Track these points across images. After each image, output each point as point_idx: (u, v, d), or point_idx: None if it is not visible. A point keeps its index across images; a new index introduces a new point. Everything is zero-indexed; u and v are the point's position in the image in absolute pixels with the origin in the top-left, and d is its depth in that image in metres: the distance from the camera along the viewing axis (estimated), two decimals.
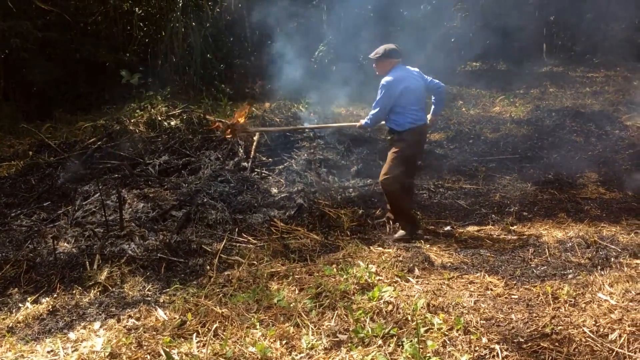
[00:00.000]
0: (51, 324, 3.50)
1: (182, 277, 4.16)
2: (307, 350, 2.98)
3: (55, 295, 3.88)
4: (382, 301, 3.43)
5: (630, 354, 2.84)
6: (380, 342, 3.00)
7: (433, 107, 5.01)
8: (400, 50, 4.75)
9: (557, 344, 2.96)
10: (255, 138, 6.91)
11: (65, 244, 4.61)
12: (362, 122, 4.99)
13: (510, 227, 5.01)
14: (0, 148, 8.05)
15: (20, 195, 5.97)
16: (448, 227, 5.14)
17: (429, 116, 4.95)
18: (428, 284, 3.78)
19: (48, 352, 3.10)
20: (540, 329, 3.10)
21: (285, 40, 9.31)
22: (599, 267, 3.98)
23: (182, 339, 3.15)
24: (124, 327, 3.32)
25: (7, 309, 3.73)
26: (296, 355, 2.96)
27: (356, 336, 3.06)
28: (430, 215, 5.48)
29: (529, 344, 2.97)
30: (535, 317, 3.25)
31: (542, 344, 2.96)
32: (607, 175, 6.47)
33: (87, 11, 11.61)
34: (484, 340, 2.99)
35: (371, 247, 4.54)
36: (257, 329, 3.20)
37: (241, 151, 6.69)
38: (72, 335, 3.27)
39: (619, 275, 3.73)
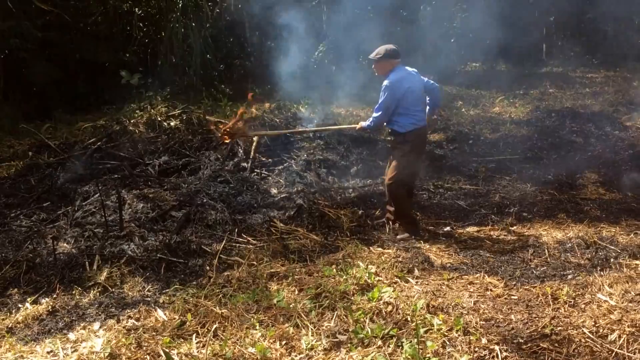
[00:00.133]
0: (51, 324, 3.49)
1: (182, 277, 4.16)
2: (307, 351, 2.98)
3: (54, 296, 3.87)
4: (381, 302, 3.43)
5: (629, 354, 2.85)
6: (379, 342, 3.00)
7: (428, 107, 5.01)
8: (400, 50, 4.75)
9: (556, 344, 2.96)
10: (254, 139, 6.90)
11: (65, 244, 4.60)
12: (363, 124, 4.98)
13: (510, 228, 5.01)
14: (0, 148, 8.04)
15: (20, 195, 5.96)
16: (448, 228, 5.14)
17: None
18: (428, 284, 3.78)
19: (48, 352, 3.10)
20: (539, 329, 3.10)
21: (284, 41, 9.31)
22: (599, 268, 3.99)
23: (182, 340, 3.15)
24: (124, 327, 3.32)
25: (7, 310, 3.73)
26: (296, 356, 2.96)
27: (356, 337, 3.06)
28: (430, 216, 5.48)
29: (529, 345, 2.97)
30: (535, 317, 3.25)
31: (541, 344, 2.96)
32: (607, 176, 6.47)
33: (87, 11, 11.59)
34: (484, 340, 2.99)
35: (371, 248, 4.55)
36: (256, 330, 3.20)
37: (241, 151, 6.69)
38: (71, 336, 3.27)
39: (618, 276, 3.73)
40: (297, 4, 9.16)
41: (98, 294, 3.89)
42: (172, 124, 7.71)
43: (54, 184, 6.05)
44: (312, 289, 3.65)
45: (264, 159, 6.71)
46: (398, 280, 3.82)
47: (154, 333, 3.22)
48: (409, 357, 2.85)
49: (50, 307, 3.69)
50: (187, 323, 3.31)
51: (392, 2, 10.82)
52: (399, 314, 3.29)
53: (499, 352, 2.89)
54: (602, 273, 3.85)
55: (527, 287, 3.71)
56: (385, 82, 4.65)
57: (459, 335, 3.05)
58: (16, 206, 5.68)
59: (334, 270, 3.97)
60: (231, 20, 12.18)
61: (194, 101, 9.93)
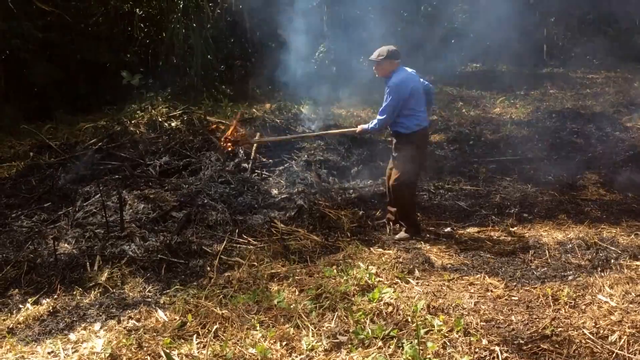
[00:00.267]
0: (51, 325, 3.50)
1: (183, 278, 4.16)
2: (307, 352, 2.99)
3: (55, 296, 3.88)
4: (382, 302, 3.43)
5: (630, 355, 2.85)
6: (380, 343, 3.00)
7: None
8: (400, 51, 4.76)
9: (557, 345, 2.96)
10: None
11: (66, 245, 4.61)
12: (365, 127, 4.97)
13: (511, 229, 5.01)
14: (0, 149, 8.05)
15: (20, 196, 5.97)
16: (448, 229, 5.14)
17: None
18: (428, 285, 3.78)
19: (48, 353, 3.10)
20: (540, 330, 3.10)
21: (285, 41, 9.32)
22: (599, 269, 3.99)
23: (183, 340, 3.15)
24: (125, 328, 3.33)
25: (8, 310, 3.73)
26: (296, 356, 2.96)
27: (356, 337, 3.06)
28: (430, 217, 5.48)
29: (529, 346, 2.97)
30: (536, 318, 3.25)
31: (542, 345, 2.96)
32: (608, 177, 6.46)
33: (87, 12, 11.60)
34: (484, 341, 2.99)
35: (371, 249, 4.55)
36: (257, 330, 3.21)
37: (241, 152, 6.69)
38: (72, 336, 3.28)
39: (619, 276, 3.73)
40: (298, 4, 9.16)
41: (99, 294, 3.89)
42: (172, 124, 7.72)
43: (55, 184, 6.06)
44: (313, 290, 3.66)
45: (264, 160, 6.72)
46: (398, 281, 3.82)
47: (154, 334, 3.22)
48: (410, 358, 2.85)
49: (51, 307, 3.70)
50: (188, 324, 3.32)
51: (392, 2, 10.83)
52: (399, 314, 3.29)
53: (499, 353, 2.89)
54: (602, 274, 3.85)
55: (528, 288, 3.70)
56: (391, 84, 4.61)
57: (459, 336, 3.05)
58: (17, 207, 5.69)
59: (335, 271, 3.97)
60: (232, 20, 12.19)
61: (195, 102, 9.95)
